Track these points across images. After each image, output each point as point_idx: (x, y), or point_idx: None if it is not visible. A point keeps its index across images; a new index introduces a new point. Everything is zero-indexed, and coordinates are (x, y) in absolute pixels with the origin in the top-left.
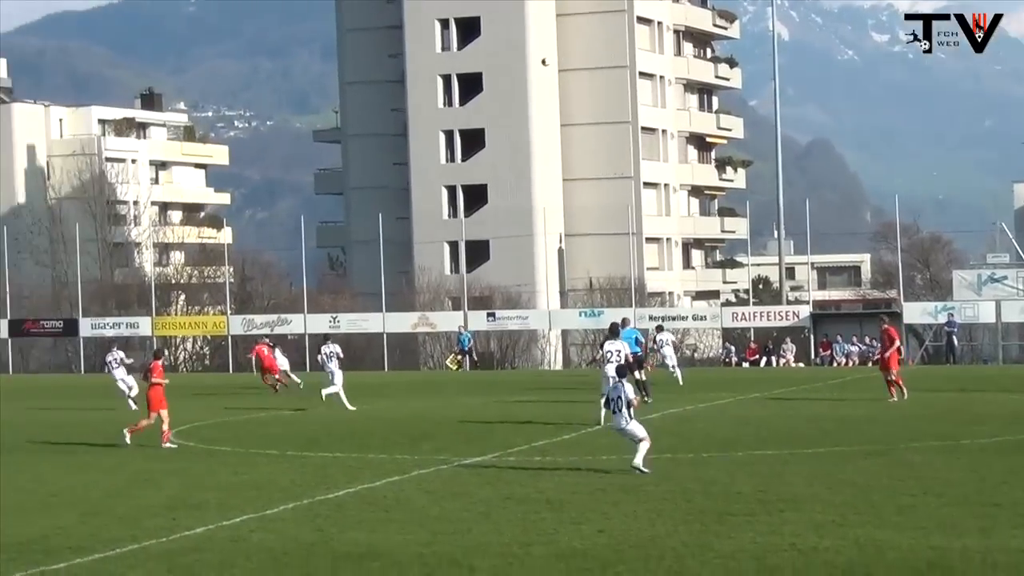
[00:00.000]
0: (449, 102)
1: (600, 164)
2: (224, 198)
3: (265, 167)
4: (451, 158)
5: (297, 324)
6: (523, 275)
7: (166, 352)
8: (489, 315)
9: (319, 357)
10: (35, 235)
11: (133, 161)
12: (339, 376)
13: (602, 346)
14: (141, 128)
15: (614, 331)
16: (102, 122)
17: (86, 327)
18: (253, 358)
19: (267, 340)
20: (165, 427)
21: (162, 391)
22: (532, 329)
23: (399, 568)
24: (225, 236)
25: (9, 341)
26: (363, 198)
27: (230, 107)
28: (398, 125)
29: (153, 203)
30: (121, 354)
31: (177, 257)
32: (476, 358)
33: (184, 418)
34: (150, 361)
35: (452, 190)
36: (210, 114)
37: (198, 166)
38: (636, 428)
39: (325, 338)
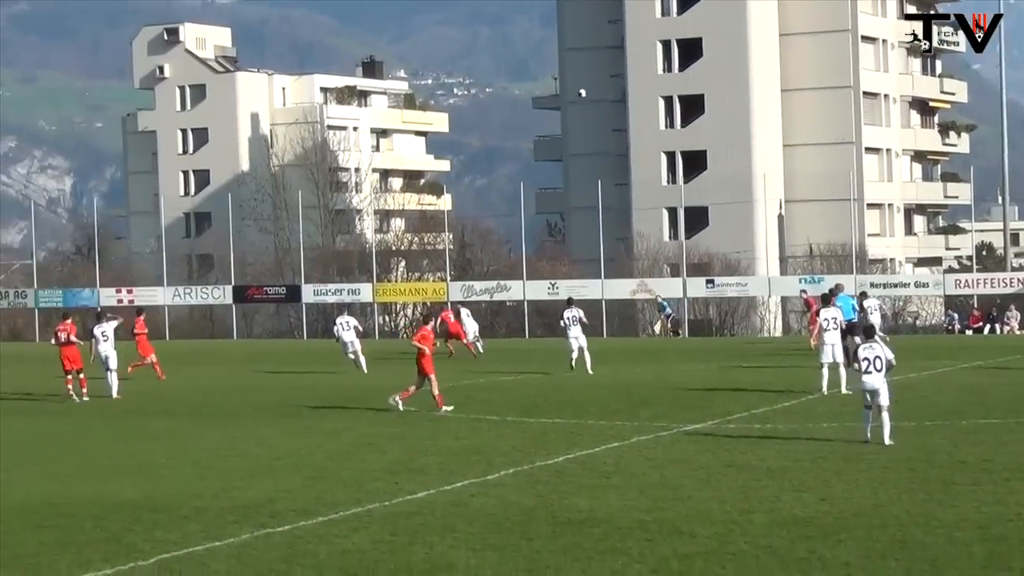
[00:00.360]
0: (669, 68)
1: (821, 129)
2: (444, 165)
3: (484, 134)
4: (670, 124)
5: (516, 291)
6: (742, 241)
7: (386, 319)
8: (708, 282)
9: (562, 321)
10: (259, 202)
11: (355, 129)
12: (583, 340)
13: (817, 314)
14: (362, 96)
15: (826, 299)
16: (324, 90)
17: (308, 293)
18: (436, 323)
19: (449, 306)
20: (435, 392)
21: (430, 357)
22: (751, 296)
23: (620, 534)
24: (445, 203)
25: (233, 307)
26: (582, 164)
27: (450, 74)
28: (617, 91)
29: (374, 170)
30: (352, 319)
31: (397, 224)
32: (678, 325)
33: (405, 383)
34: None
35: (671, 156)
36: (430, 82)
37: (418, 133)
38: (887, 392)
39: (568, 303)
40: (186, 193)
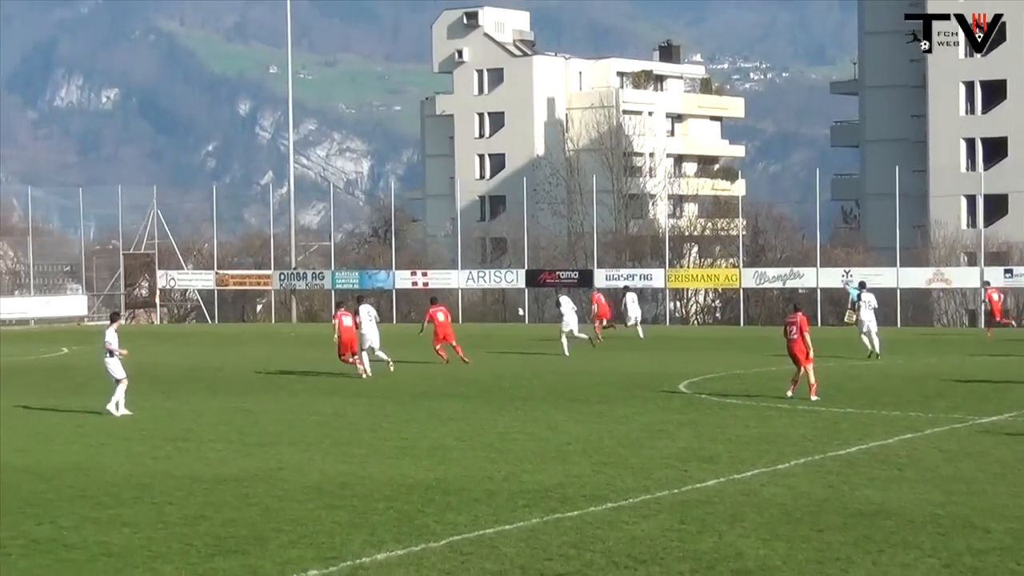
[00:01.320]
0: (970, 52)
1: None
2: (738, 150)
3: (779, 119)
4: (971, 110)
5: (809, 278)
6: None
7: (678, 304)
8: (1006, 271)
9: (857, 304)
10: (553, 186)
11: (650, 113)
12: (874, 324)
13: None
14: (658, 80)
15: None
16: (620, 74)
17: (600, 278)
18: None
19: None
20: (811, 379)
21: (802, 345)
22: None
23: (912, 528)
24: (739, 188)
25: (526, 291)
26: (879, 150)
27: (746, 59)
28: (917, 76)
29: (668, 155)
30: (570, 300)
31: (691, 209)
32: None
33: (696, 370)
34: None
35: (971, 143)
36: (726, 66)
37: (713, 118)
38: None
39: (861, 286)
40: (481, 176)
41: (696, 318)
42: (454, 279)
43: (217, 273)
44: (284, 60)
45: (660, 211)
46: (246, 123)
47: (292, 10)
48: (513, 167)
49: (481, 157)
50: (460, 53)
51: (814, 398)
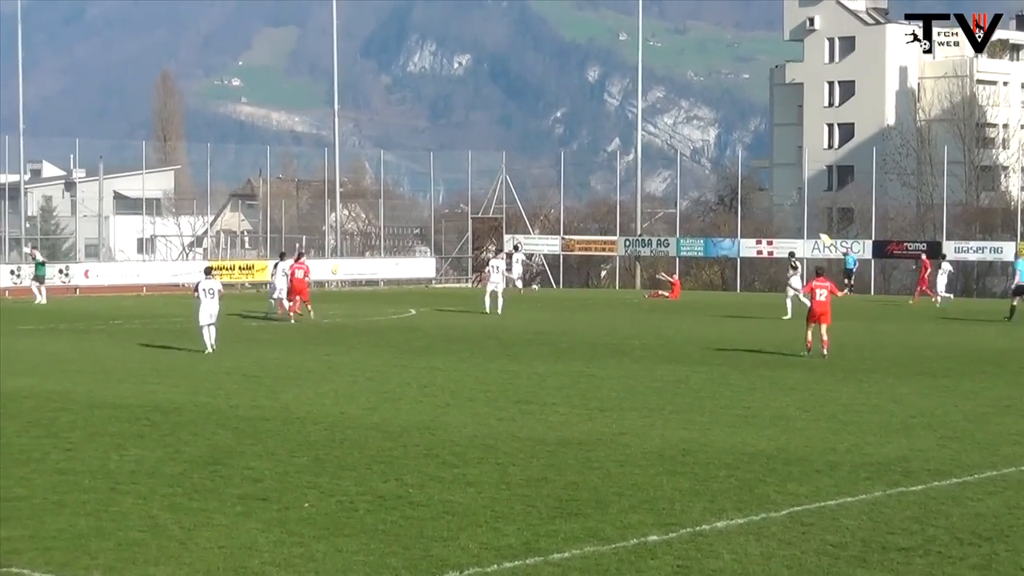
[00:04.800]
0: None
1: None
2: None
3: None
4: None
5: None
6: None
7: None
8: None
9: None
10: (902, 157)
11: (1005, 84)
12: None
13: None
14: (1015, 50)
15: None
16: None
17: (949, 250)
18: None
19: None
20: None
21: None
22: None
23: None
24: None
25: (872, 262)
26: None
27: None
28: None
29: (1022, 127)
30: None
31: None
32: (853, 283)
33: None
34: None
35: None
36: None
37: None
38: None
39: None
40: (829, 146)
41: None
42: (800, 248)
43: (563, 238)
44: (634, 27)
45: (1013, 184)
46: (595, 90)
47: None
48: (862, 136)
49: (830, 126)
50: (811, 21)
51: (826, 352)
